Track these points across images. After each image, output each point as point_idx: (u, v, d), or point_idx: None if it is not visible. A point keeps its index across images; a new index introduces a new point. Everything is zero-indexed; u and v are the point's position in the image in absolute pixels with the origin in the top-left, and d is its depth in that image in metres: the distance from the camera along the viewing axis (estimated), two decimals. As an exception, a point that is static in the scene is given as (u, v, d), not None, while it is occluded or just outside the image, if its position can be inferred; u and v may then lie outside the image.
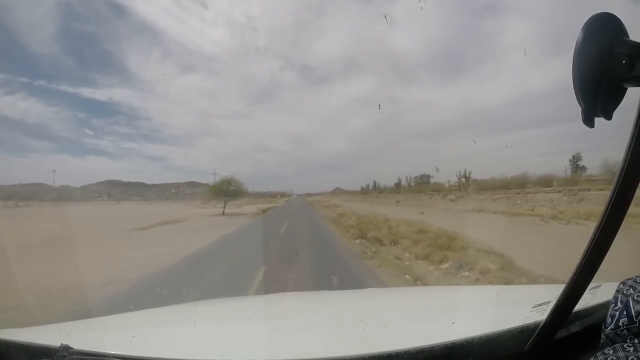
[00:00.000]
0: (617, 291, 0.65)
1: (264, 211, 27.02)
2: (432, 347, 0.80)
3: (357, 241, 10.10)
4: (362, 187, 57.89)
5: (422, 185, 40.38)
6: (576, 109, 0.55)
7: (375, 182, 55.08)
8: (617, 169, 0.58)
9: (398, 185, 48.13)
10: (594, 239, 0.63)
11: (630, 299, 0.61)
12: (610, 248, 0.63)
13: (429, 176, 41.94)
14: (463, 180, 30.95)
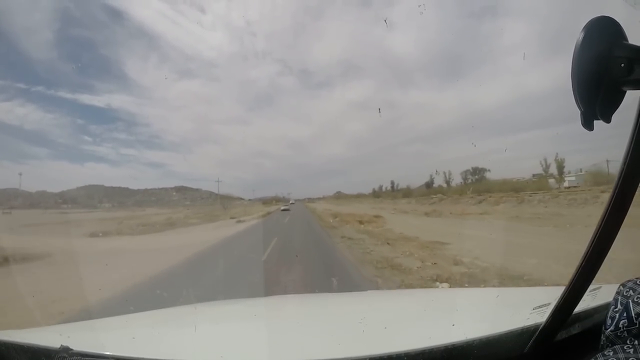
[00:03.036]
0: (617, 293, 0.65)
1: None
2: (432, 349, 0.80)
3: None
4: (374, 189, 49.72)
5: (478, 184, 28.08)
6: (575, 111, 0.56)
7: (393, 183, 45.35)
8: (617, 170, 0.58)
9: (430, 184, 36.14)
10: (593, 240, 0.63)
11: (630, 301, 0.62)
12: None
13: (483, 170, 30.65)
14: (559, 174, 19.99)
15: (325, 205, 44.24)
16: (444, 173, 33.53)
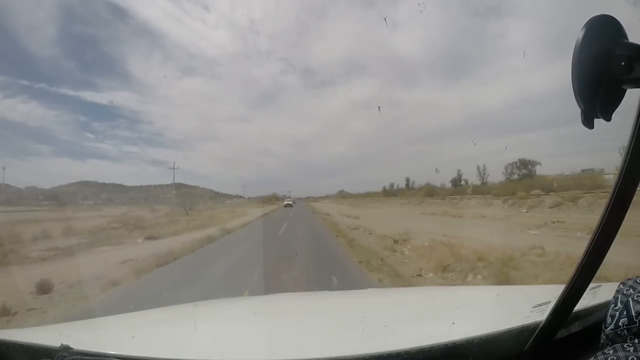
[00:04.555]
0: (617, 291, 0.65)
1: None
2: (432, 347, 0.81)
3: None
4: (384, 188, 44.80)
5: (530, 180, 21.45)
6: (577, 111, 0.56)
7: (409, 180, 38.91)
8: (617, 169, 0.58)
9: (456, 182, 28.81)
10: (593, 239, 0.63)
11: (630, 299, 0.62)
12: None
13: (534, 163, 23.30)
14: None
15: (339, 207, 31.62)
16: (478, 167, 26.70)
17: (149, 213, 26.79)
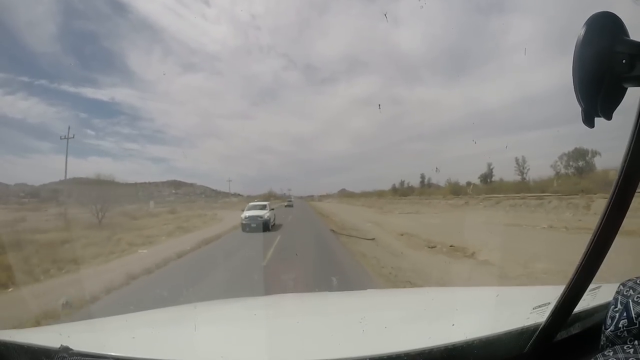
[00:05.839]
0: (617, 292, 0.64)
1: None
2: (432, 348, 0.80)
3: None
4: (394, 186, 40.83)
5: (593, 174, 17.22)
6: (578, 110, 0.55)
7: (424, 177, 34.37)
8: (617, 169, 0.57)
9: (487, 178, 24.36)
10: (593, 239, 0.62)
11: (630, 301, 0.61)
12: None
13: (594, 153, 18.88)
14: None
15: (356, 211, 22.78)
16: (516, 160, 21.70)
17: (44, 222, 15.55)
